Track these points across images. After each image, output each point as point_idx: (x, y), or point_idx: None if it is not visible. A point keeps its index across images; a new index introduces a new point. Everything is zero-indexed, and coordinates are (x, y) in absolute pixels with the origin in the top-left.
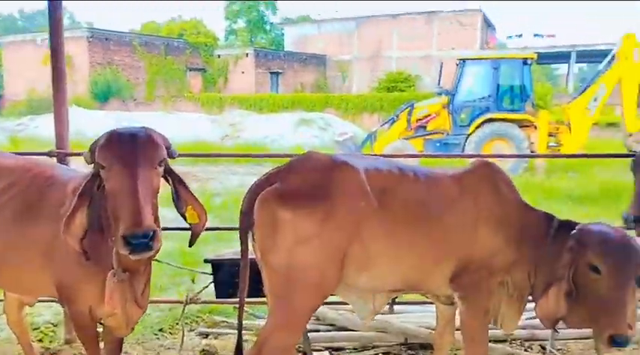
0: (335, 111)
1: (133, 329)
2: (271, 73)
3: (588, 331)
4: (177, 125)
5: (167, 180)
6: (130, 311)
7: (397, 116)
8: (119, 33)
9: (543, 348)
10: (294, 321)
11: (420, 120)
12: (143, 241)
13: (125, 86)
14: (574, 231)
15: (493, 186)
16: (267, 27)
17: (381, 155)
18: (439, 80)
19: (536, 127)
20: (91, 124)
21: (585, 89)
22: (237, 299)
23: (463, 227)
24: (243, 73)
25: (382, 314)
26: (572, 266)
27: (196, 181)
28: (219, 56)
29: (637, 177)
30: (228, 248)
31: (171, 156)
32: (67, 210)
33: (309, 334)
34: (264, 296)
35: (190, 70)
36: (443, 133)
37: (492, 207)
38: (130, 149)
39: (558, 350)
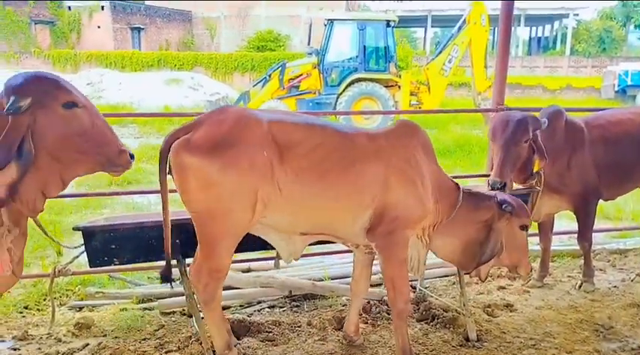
0: (204, 71)
1: None
2: (132, 28)
3: (448, 270)
4: None
5: None
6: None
7: (269, 76)
8: None
9: (413, 288)
10: (214, 254)
11: (292, 79)
12: None
13: None
14: (498, 202)
15: (412, 146)
16: None
17: None
18: (309, 40)
19: (399, 87)
20: None
21: (440, 52)
22: (113, 267)
23: (377, 178)
24: (99, 27)
25: (266, 270)
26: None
27: None
28: (69, 8)
29: (495, 145)
30: (95, 216)
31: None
32: None
33: (195, 296)
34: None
35: (36, 23)
36: (315, 93)
37: (408, 164)
38: None
39: (426, 288)
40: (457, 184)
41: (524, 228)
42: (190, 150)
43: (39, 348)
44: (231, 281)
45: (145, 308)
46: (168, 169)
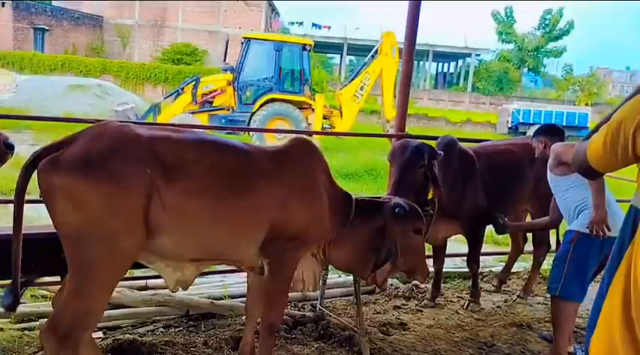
0: (113, 79)
1: None
2: (35, 28)
3: (349, 289)
4: None
5: None
6: None
7: (182, 89)
8: None
9: (314, 307)
10: (88, 289)
11: (205, 94)
12: None
13: None
14: (384, 211)
15: (308, 163)
16: None
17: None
18: (225, 56)
19: (313, 110)
20: None
21: (353, 78)
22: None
23: (274, 199)
24: None
25: (164, 288)
26: (396, 239)
27: None
28: None
29: (392, 167)
30: None
31: None
32: None
33: None
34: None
35: None
36: (228, 109)
37: (305, 182)
38: None
39: (326, 307)
40: (349, 195)
41: (419, 231)
42: (60, 168)
43: None
44: (125, 300)
45: (25, 329)
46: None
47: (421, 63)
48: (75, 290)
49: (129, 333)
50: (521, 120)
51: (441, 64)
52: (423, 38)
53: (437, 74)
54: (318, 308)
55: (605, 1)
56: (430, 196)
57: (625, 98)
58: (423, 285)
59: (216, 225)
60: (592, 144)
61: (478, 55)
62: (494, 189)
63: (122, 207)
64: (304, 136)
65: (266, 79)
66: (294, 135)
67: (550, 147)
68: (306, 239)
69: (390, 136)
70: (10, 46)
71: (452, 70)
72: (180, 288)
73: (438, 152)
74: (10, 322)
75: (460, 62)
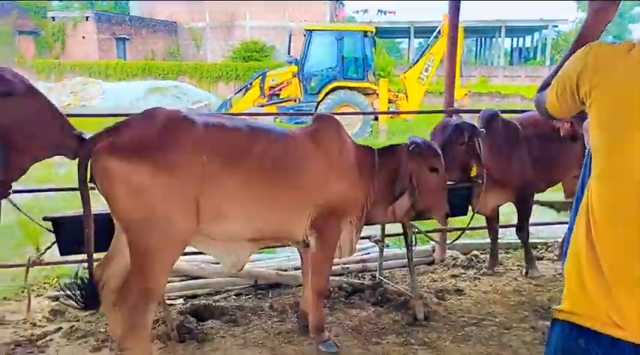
0: (189, 80)
1: None
2: (117, 38)
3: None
4: None
5: None
6: None
7: (251, 84)
8: None
9: (374, 277)
10: (148, 271)
11: (272, 88)
12: None
13: None
14: (401, 150)
15: (338, 138)
16: None
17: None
18: (289, 49)
19: (378, 95)
20: None
21: (417, 61)
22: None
23: (319, 176)
24: (84, 37)
25: None
26: (412, 174)
27: None
28: (53, 19)
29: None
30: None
31: None
32: None
33: None
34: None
35: (20, 34)
36: (295, 100)
37: (340, 156)
38: None
39: (385, 277)
40: (371, 149)
41: (434, 170)
42: (116, 154)
43: (15, 331)
44: (201, 272)
45: None
46: (90, 177)
47: (494, 39)
48: (138, 271)
49: (205, 300)
50: None
51: (515, 39)
52: (494, 14)
53: (512, 50)
54: (377, 278)
55: None
56: (474, 173)
57: (570, 49)
58: (482, 256)
59: (276, 206)
60: (548, 96)
61: (555, 26)
62: (542, 157)
63: (176, 192)
64: (326, 113)
65: (330, 68)
66: (317, 115)
67: (573, 125)
68: (345, 209)
69: (438, 112)
70: (96, 56)
71: (527, 44)
72: (235, 270)
73: (480, 130)
74: None
75: (536, 35)
